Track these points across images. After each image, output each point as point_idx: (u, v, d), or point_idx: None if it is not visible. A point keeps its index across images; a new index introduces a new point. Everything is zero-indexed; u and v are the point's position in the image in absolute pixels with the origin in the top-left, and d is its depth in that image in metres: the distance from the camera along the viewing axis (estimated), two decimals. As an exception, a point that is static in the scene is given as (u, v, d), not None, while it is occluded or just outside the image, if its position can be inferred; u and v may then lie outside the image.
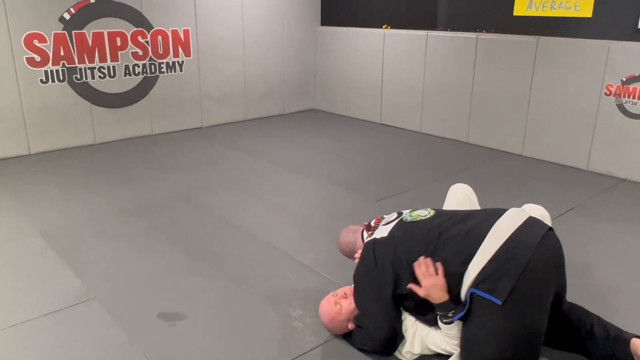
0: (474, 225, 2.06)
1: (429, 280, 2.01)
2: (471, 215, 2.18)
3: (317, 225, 3.62)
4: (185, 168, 4.84)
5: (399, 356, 2.21)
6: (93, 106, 5.49)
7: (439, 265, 2.01)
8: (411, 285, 2.08)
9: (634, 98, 4.36)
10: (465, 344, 1.98)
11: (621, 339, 2.11)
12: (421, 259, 2.05)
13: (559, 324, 2.16)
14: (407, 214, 2.35)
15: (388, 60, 6.33)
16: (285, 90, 7.11)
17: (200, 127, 6.37)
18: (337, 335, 2.36)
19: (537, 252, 1.92)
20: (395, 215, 2.41)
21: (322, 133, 6.22)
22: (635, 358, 2.07)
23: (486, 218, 2.09)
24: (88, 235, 3.42)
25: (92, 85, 5.42)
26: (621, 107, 4.45)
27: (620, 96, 4.44)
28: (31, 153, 5.21)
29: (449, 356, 2.12)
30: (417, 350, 2.19)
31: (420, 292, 2.05)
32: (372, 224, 2.49)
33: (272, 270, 3.01)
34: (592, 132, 4.68)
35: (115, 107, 5.64)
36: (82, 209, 3.85)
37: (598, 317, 2.19)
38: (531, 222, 2.06)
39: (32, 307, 2.60)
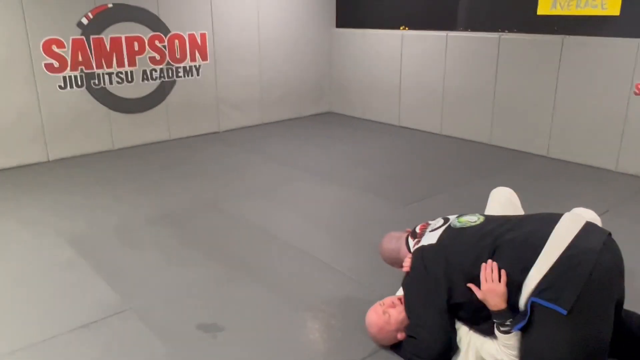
0: (531, 232, 1.98)
1: (491, 285, 1.93)
2: (525, 220, 2.10)
3: (350, 232, 3.55)
4: (208, 174, 4.77)
5: (453, 368, 2.14)
6: (111, 112, 5.44)
7: (503, 273, 1.93)
8: (470, 285, 2.00)
9: (665, 97, 4.27)
10: (527, 355, 1.90)
11: (684, 347, 2.03)
12: (488, 262, 1.97)
13: (618, 333, 2.07)
14: (454, 220, 2.28)
15: (406, 61, 6.26)
16: (301, 94, 7.05)
17: (217, 132, 6.31)
18: (383, 346, 2.29)
19: (600, 258, 1.84)
20: (441, 221, 2.34)
21: (341, 136, 6.15)
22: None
23: (543, 224, 2.01)
24: (117, 245, 3.36)
25: (110, 90, 5.38)
26: (652, 107, 4.37)
27: (650, 95, 4.35)
28: (50, 159, 5.16)
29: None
30: (472, 361, 2.12)
31: (479, 293, 1.97)
32: (418, 230, 2.41)
33: (309, 279, 2.94)
34: (621, 132, 4.60)
35: (133, 113, 5.59)
36: (107, 217, 3.79)
37: (658, 325, 2.11)
38: (590, 228, 1.98)
39: (66, 318, 2.54)
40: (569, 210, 2.47)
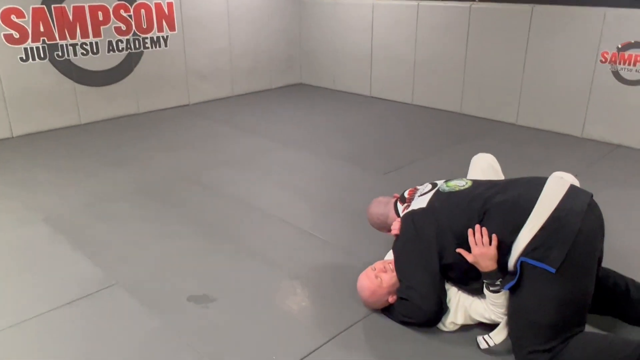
0: (520, 194, 2.05)
1: (481, 249, 2.00)
2: (512, 184, 2.17)
3: (331, 201, 3.58)
4: (181, 147, 4.69)
5: (442, 327, 2.22)
6: (76, 85, 5.24)
7: (494, 236, 2.00)
8: (460, 250, 2.07)
9: (629, 65, 4.42)
10: (515, 312, 1.99)
11: (657, 300, 2.15)
12: (477, 227, 2.03)
13: (596, 289, 2.19)
14: (443, 184, 2.33)
15: (378, 31, 6.24)
16: (272, 65, 6.95)
17: (187, 104, 6.18)
18: (375, 310, 2.35)
19: (585, 219, 1.93)
20: (430, 186, 2.39)
21: (313, 107, 6.13)
22: (672, 318, 2.12)
23: (530, 187, 2.08)
24: (94, 220, 3.29)
25: (75, 62, 5.17)
26: (616, 74, 4.51)
27: (615, 63, 4.50)
28: (14, 135, 4.96)
29: (492, 325, 2.13)
30: (461, 320, 2.20)
31: (469, 257, 2.04)
32: (406, 195, 2.46)
33: (294, 248, 2.96)
34: (587, 99, 4.74)
35: (100, 85, 5.40)
36: (81, 193, 3.70)
37: (632, 280, 2.24)
38: (575, 190, 2.06)
39: (52, 296, 2.49)
40: (544, 175, 2.56)
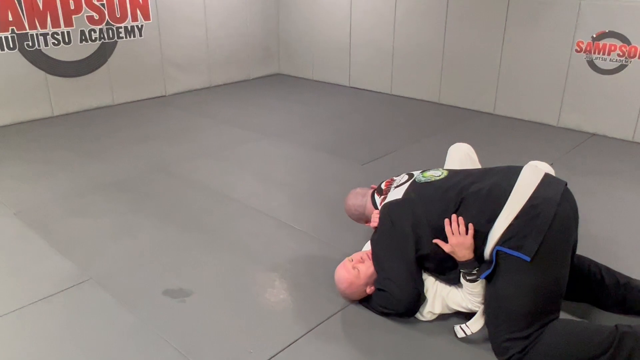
0: (495, 184, 2.05)
1: (458, 238, 2.00)
2: (487, 173, 2.17)
3: (308, 192, 3.55)
4: (157, 138, 4.62)
5: (420, 317, 2.22)
6: (48, 76, 5.11)
7: (470, 226, 2.00)
8: (437, 240, 2.07)
9: (603, 54, 4.47)
10: (492, 300, 2.00)
11: (631, 286, 2.19)
12: (453, 217, 2.03)
13: (570, 276, 2.21)
14: (419, 175, 2.32)
15: (356, 20, 6.21)
16: (249, 55, 6.87)
17: (164, 95, 6.08)
18: (353, 301, 2.34)
19: (559, 208, 1.94)
20: (406, 177, 2.38)
21: (292, 98, 6.08)
22: (645, 303, 2.16)
23: (505, 176, 2.08)
24: (67, 214, 3.22)
25: (46, 52, 5.03)
26: (591, 64, 4.57)
27: (590, 53, 4.54)
28: (-17, 128, 4.83)
29: (469, 314, 2.15)
30: (438, 310, 2.20)
31: (446, 247, 2.04)
32: (383, 186, 2.45)
33: (271, 239, 2.94)
34: (562, 88, 4.79)
35: (73, 76, 5.28)
36: (53, 186, 3.61)
37: (606, 267, 2.26)
38: (549, 179, 2.07)
39: (25, 293, 2.43)
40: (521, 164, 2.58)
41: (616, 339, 1.85)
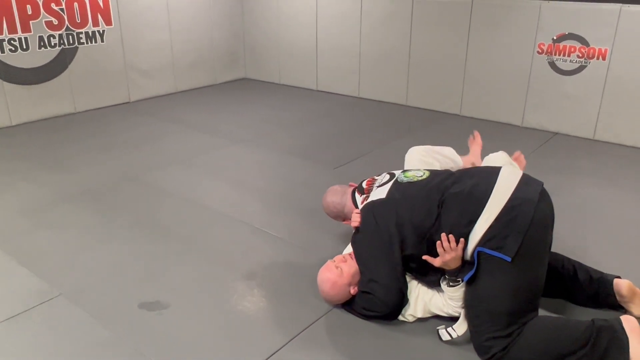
0: (475, 185, 2.08)
1: (451, 253, 2.02)
2: (467, 173, 2.20)
3: (280, 196, 3.52)
4: (123, 146, 4.50)
5: (401, 318, 2.22)
6: (5, 83, 4.91)
7: (461, 240, 2.01)
8: (426, 257, 2.08)
9: (564, 55, 4.61)
10: (473, 301, 2.02)
11: (603, 280, 2.26)
12: (443, 236, 2.03)
13: (547, 273, 2.25)
14: (401, 175, 2.33)
15: (322, 24, 6.21)
16: (215, 59, 6.79)
17: (128, 102, 5.93)
18: (335, 306, 2.32)
19: (537, 208, 1.98)
20: (387, 176, 2.39)
21: (259, 102, 6.04)
22: (617, 297, 2.22)
23: (484, 177, 2.11)
24: (32, 227, 3.09)
25: (2, 59, 4.83)
26: (552, 65, 4.70)
27: (551, 54, 4.68)
28: (-64, 139, 4.60)
29: (450, 317, 2.16)
30: (420, 313, 2.21)
31: (436, 262, 2.05)
32: (364, 185, 2.45)
33: (247, 246, 2.90)
34: (526, 89, 4.92)
35: (32, 84, 5.09)
36: (14, 198, 3.47)
37: (579, 263, 2.33)
38: (527, 179, 2.12)
39: (-10, 311, 2.32)
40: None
41: (593, 333, 1.90)
